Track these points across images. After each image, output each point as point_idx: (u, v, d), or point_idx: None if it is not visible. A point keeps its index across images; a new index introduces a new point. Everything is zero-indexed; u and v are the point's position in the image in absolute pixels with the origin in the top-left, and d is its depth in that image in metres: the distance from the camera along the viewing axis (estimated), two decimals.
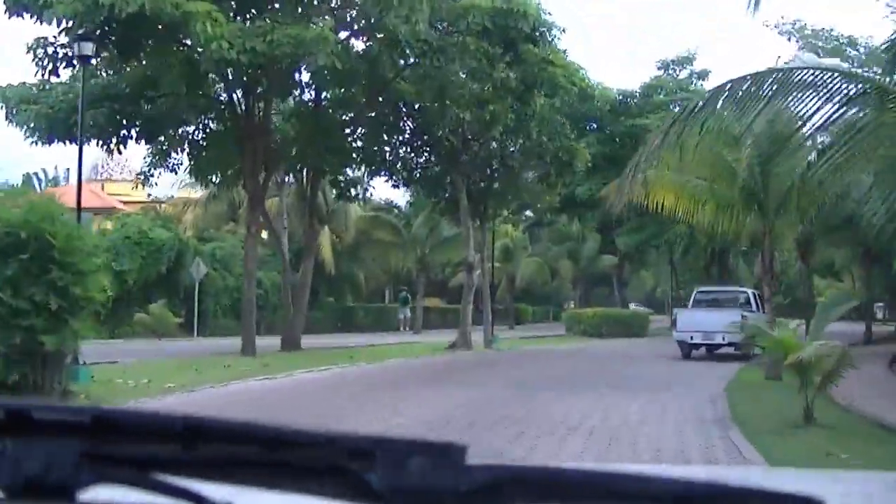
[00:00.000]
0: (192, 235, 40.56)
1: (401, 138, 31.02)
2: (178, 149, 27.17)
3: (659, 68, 51.30)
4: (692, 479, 1.09)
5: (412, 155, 31.56)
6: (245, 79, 23.58)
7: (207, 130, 27.20)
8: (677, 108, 48.11)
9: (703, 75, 48.67)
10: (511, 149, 31.18)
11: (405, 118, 29.59)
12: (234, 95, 24.70)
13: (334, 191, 30.76)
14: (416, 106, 28.28)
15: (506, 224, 54.25)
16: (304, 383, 17.91)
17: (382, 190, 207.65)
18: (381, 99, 27.03)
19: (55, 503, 1.02)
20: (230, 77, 23.28)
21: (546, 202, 37.26)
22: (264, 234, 33.63)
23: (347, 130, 28.40)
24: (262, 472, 1.05)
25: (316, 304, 43.05)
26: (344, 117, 27.59)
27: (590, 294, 69.89)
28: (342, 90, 27.16)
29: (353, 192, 32.20)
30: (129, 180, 45.56)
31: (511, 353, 29.79)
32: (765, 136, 18.78)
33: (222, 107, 25.55)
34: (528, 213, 67.23)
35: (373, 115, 27.88)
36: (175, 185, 42.96)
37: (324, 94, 27.57)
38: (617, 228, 47.99)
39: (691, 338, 28.47)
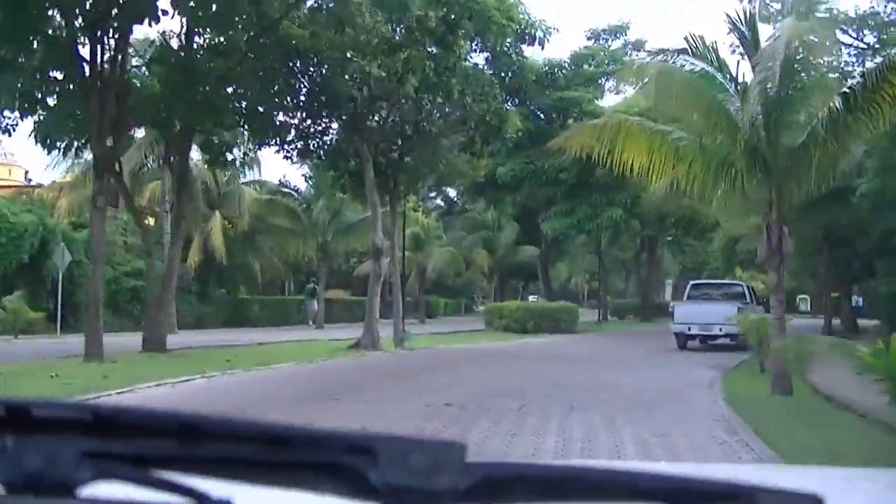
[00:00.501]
0: (66, 221, 36.91)
1: (294, 100, 25.71)
2: (11, 106, 21.27)
3: (589, 38, 47.45)
4: (691, 475, 1.08)
5: (307, 118, 26.05)
6: (88, 8, 18.59)
7: (48, 79, 21.22)
8: (611, 82, 44.25)
9: (638, 46, 43.66)
10: (428, 110, 26.27)
11: (298, 72, 24.40)
12: (74, 30, 19.44)
13: (206, 156, 24.38)
14: (313, 57, 23.18)
15: (416, 212, 51.93)
16: (143, 402, 11.90)
17: (279, 168, 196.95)
18: (265, 43, 21.80)
19: (56, 500, 1.02)
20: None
21: (469, 177, 31.44)
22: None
23: (226, 88, 23.26)
24: (262, 469, 1.05)
25: (206, 297, 40.63)
26: (219, 66, 22.04)
27: (506, 286, 67.06)
28: (217, 33, 22.00)
29: (229, 156, 25.85)
30: None
31: (427, 354, 25.38)
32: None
33: (63, 47, 19.83)
34: (443, 197, 62.00)
35: (257, 65, 22.71)
36: (50, 166, 36.80)
37: (195, 38, 22.17)
38: (542, 213, 42.58)
39: (689, 329, 29.37)
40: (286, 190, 49.65)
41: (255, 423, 1.05)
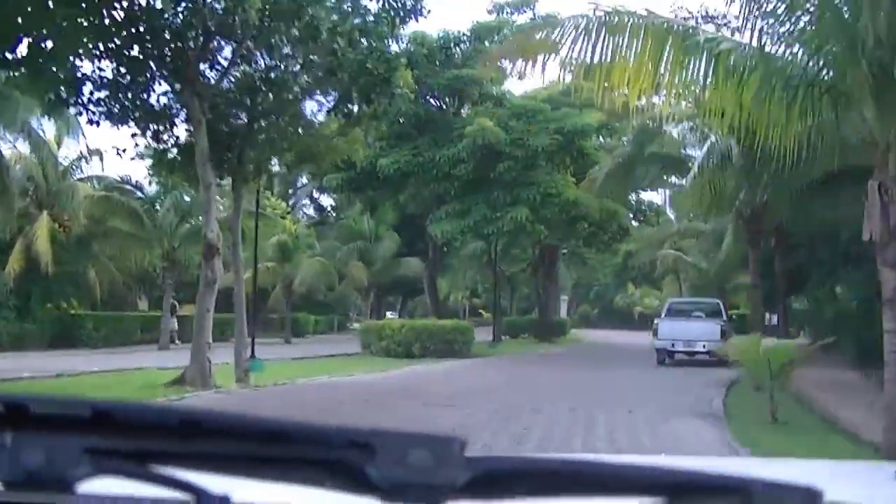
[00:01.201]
0: None
1: (103, 46, 18.35)
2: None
3: (490, 12, 41.26)
4: (690, 469, 1.11)
5: (115, 64, 18.87)
6: None
7: None
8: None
9: (549, 22, 35.92)
10: (284, 53, 19.65)
11: None
12: None
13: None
14: None
15: (284, 218, 47.19)
16: None
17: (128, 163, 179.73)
18: None
19: (55, 496, 1.03)
20: None
21: (342, 153, 23.41)
22: None
23: None
24: (261, 464, 1.06)
25: (27, 313, 35.21)
26: None
27: (383, 302, 63.63)
28: None
29: None
30: None
31: (274, 394, 18.57)
32: None
33: None
34: (316, 205, 54.45)
35: None
36: None
37: None
38: (432, 213, 35.33)
39: (672, 345, 30.95)
40: (127, 187, 41.83)
41: (254, 418, 1.05)
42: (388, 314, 59.42)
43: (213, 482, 1.06)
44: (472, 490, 1.01)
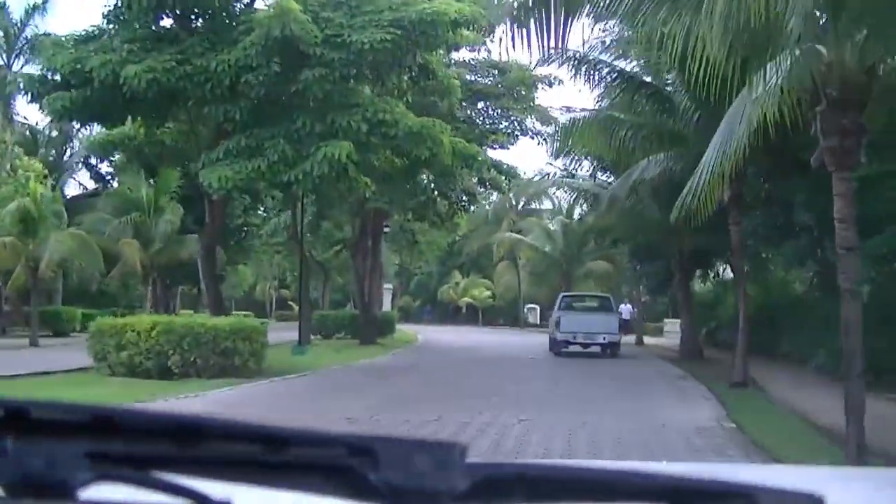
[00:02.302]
0: None
1: None
2: None
3: None
4: (692, 475, 1.12)
5: None
6: None
7: None
8: None
9: None
10: None
11: None
12: None
13: None
14: None
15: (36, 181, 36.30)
16: None
17: None
18: None
19: (56, 501, 1.04)
20: None
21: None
22: None
23: None
24: (262, 470, 1.08)
25: None
26: None
27: (172, 292, 51.77)
28: None
29: None
30: None
31: None
32: None
33: None
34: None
35: None
36: None
37: None
38: (202, 156, 22.84)
39: (574, 337, 33.39)
40: None
41: (255, 424, 1.06)
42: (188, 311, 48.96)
43: (214, 488, 1.06)
44: (474, 496, 1.01)
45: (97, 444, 1.03)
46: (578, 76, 25.50)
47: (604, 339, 32.90)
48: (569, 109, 30.68)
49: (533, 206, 74.74)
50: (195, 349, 21.42)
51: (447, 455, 1.01)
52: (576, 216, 55.58)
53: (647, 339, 46.37)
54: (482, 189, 42.78)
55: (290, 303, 76.31)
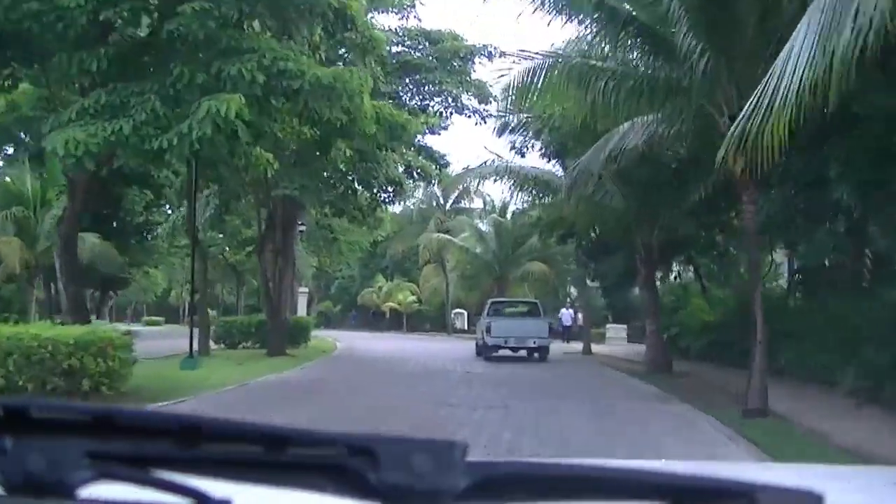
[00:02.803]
0: None
1: None
2: None
3: None
4: (692, 473, 1.11)
5: None
6: None
7: None
8: None
9: None
10: None
11: None
12: None
13: None
14: None
15: None
16: None
17: None
18: None
19: (56, 501, 1.04)
20: None
21: None
22: None
23: None
24: (263, 470, 1.08)
25: None
26: None
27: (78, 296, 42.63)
28: None
29: None
30: None
31: None
32: None
33: None
34: None
35: None
36: None
37: None
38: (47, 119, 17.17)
39: (505, 342, 34.33)
40: None
41: (255, 424, 1.06)
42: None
43: (214, 487, 1.05)
44: (474, 495, 1.01)
45: (97, 444, 1.03)
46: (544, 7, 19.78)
47: (534, 342, 34.35)
48: (525, 58, 22.55)
49: (463, 204, 73.72)
50: (26, 370, 16.08)
51: (447, 454, 1.01)
52: (515, 210, 51.85)
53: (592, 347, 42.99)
54: (410, 180, 37.98)
55: (209, 309, 70.55)
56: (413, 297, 76.71)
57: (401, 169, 36.64)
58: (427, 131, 38.14)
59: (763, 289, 20.76)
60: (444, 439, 1.01)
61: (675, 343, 32.95)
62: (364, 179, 34.06)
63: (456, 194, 71.24)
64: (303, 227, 43.01)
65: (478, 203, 71.83)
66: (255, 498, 1.08)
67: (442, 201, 72.87)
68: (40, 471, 0.99)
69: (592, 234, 34.35)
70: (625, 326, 51.45)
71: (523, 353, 34.97)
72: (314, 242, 50.28)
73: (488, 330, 35.33)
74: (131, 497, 1.07)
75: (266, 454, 1.03)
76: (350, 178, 34.30)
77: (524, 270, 59.17)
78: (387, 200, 38.18)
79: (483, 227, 63.95)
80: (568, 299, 59.54)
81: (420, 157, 36.91)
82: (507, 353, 35.09)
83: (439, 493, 0.99)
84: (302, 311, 59.43)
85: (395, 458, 0.99)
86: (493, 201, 66.89)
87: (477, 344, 38.43)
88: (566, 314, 54.08)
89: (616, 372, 30.35)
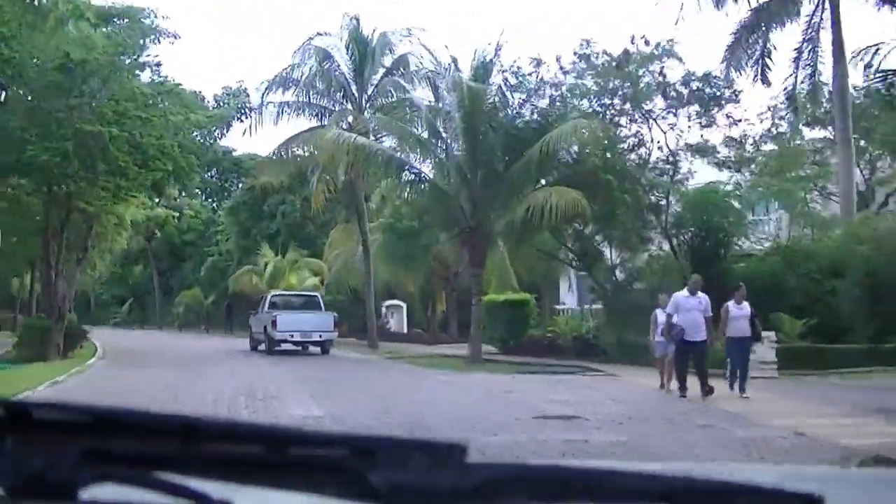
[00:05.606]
0: None
1: None
2: None
3: None
4: (690, 475, 1.13)
5: None
6: None
7: None
8: None
9: None
10: None
11: None
12: None
13: None
14: None
15: None
16: None
17: None
18: None
19: (56, 501, 1.05)
20: None
21: None
22: None
23: None
24: (263, 470, 1.08)
25: None
26: None
27: None
28: None
29: None
30: None
31: None
32: None
33: None
34: None
35: None
36: None
37: None
38: None
39: (291, 336, 34.73)
40: None
41: (255, 424, 1.09)
42: None
43: (214, 488, 1.06)
44: (473, 496, 1.02)
45: (98, 444, 1.04)
46: None
47: (320, 336, 35.16)
48: None
49: (397, 76, 39.35)
50: None
51: (447, 455, 1.02)
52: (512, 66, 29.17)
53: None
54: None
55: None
56: (317, 280, 50.62)
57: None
58: None
59: None
60: (444, 440, 1.01)
61: None
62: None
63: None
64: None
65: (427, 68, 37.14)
66: (254, 499, 1.07)
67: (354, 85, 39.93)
68: (41, 472, 0.98)
69: None
70: None
71: (314, 347, 35.33)
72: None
73: (274, 324, 35.58)
74: (131, 498, 1.05)
75: (266, 455, 1.02)
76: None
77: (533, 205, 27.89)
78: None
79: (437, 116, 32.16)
80: None
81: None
82: (290, 346, 35.70)
83: (439, 494, 0.98)
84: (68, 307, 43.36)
85: (394, 459, 0.98)
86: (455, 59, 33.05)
87: (253, 338, 38.55)
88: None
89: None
